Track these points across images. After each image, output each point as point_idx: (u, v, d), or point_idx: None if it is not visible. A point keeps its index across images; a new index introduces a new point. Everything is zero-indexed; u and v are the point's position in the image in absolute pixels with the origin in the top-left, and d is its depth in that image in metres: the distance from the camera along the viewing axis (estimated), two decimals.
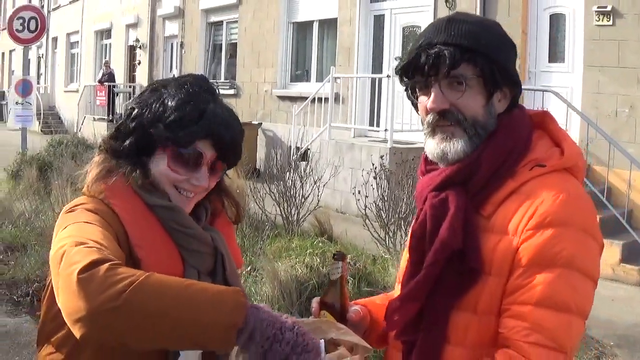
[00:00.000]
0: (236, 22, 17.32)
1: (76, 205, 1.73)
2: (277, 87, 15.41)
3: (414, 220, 1.85)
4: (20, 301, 6.85)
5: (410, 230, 1.84)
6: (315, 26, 14.73)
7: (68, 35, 30.92)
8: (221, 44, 18.53)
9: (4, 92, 39.53)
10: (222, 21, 18.24)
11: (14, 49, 36.62)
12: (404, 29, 12.33)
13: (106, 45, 27.02)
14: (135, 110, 1.80)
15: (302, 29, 15.39)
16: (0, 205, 9.52)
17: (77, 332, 1.40)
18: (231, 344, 1.43)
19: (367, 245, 7.84)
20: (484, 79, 1.72)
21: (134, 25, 23.48)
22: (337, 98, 12.57)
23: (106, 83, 22.61)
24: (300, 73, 15.40)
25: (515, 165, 1.72)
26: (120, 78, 23.83)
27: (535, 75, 10.21)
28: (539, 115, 1.85)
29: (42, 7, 33.02)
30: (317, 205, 8.61)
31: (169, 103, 1.76)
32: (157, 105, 1.77)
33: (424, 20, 11.59)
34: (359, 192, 8.05)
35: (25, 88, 14.75)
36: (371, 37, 13.02)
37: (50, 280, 1.66)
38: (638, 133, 8.85)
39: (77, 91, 27.89)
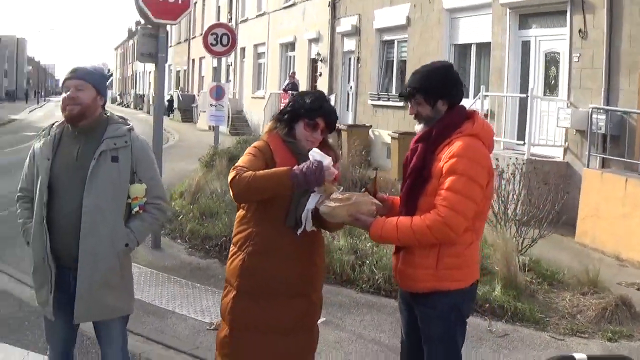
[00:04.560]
0: (405, 41, 18.97)
1: (251, 146, 4.04)
2: None
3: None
4: (210, 250, 9.60)
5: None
6: (473, 49, 16.28)
7: (255, 46, 33.83)
8: (393, 61, 20.19)
9: (194, 95, 43.56)
10: (393, 40, 19.94)
11: (204, 57, 40.27)
12: (546, 54, 13.65)
13: (290, 57, 29.48)
14: (291, 104, 4.04)
15: (462, 51, 16.87)
16: (197, 185, 12.39)
17: (235, 199, 3.88)
18: (290, 190, 3.70)
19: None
20: (426, 100, 3.82)
21: (316, 40, 25.82)
22: (489, 114, 14.15)
23: (290, 91, 25.10)
24: None
25: (451, 133, 3.75)
26: (303, 88, 25.87)
27: None
28: (470, 111, 3.92)
29: (231, 19, 36.04)
30: None
31: (307, 101, 3.97)
32: (301, 102, 3.99)
33: (562, 47, 13.01)
34: None
35: (218, 92, 17.58)
36: (519, 60, 14.36)
37: None
38: None
39: (263, 98, 30.77)
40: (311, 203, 3.78)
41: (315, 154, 3.70)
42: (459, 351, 3.96)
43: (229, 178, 3.82)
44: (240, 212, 4.10)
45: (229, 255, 4.18)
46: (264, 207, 3.93)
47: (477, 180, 3.67)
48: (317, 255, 4.14)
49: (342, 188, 3.86)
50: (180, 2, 9.86)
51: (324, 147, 4.01)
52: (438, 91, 3.82)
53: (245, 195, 3.80)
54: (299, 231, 3.87)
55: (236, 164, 3.89)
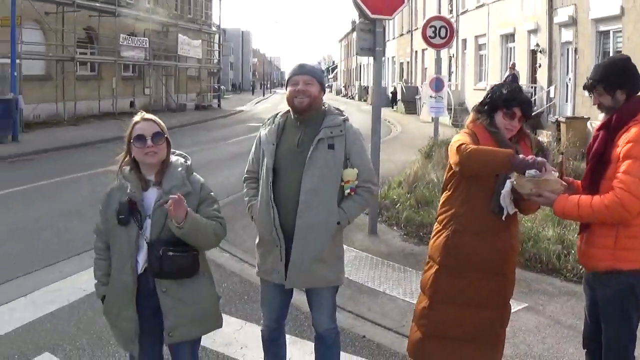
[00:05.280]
0: (620, 31, 19.00)
1: (462, 131, 4.44)
2: None
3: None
4: (424, 237, 9.96)
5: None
6: None
7: (476, 37, 34.46)
8: (609, 52, 19.93)
9: (417, 87, 44.68)
10: (609, 30, 19.97)
11: (426, 49, 40.59)
12: None
13: (510, 48, 29.95)
14: (489, 95, 4.36)
15: None
16: (415, 174, 13.32)
17: (456, 166, 4.23)
18: (509, 170, 4.06)
19: None
20: (606, 90, 4.10)
21: (534, 31, 26.26)
22: None
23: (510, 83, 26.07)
24: None
25: (628, 120, 4.01)
26: (523, 79, 26.56)
27: None
28: None
29: (451, 10, 36.95)
30: None
31: (504, 92, 4.32)
32: (498, 93, 4.33)
33: None
34: None
35: (437, 84, 18.44)
36: None
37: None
38: None
39: (484, 89, 29.92)
40: (507, 186, 4.18)
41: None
42: (633, 330, 4.15)
43: (455, 147, 4.25)
44: (446, 194, 4.53)
45: (433, 233, 4.56)
46: (469, 189, 4.35)
47: None
48: (513, 236, 4.48)
49: None
50: None
51: (521, 135, 4.50)
52: (616, 82, 4.12)
53: (466, 163, 4.15)
54: (504, 216, 4.28)
55: (459, 142, 4.29)
